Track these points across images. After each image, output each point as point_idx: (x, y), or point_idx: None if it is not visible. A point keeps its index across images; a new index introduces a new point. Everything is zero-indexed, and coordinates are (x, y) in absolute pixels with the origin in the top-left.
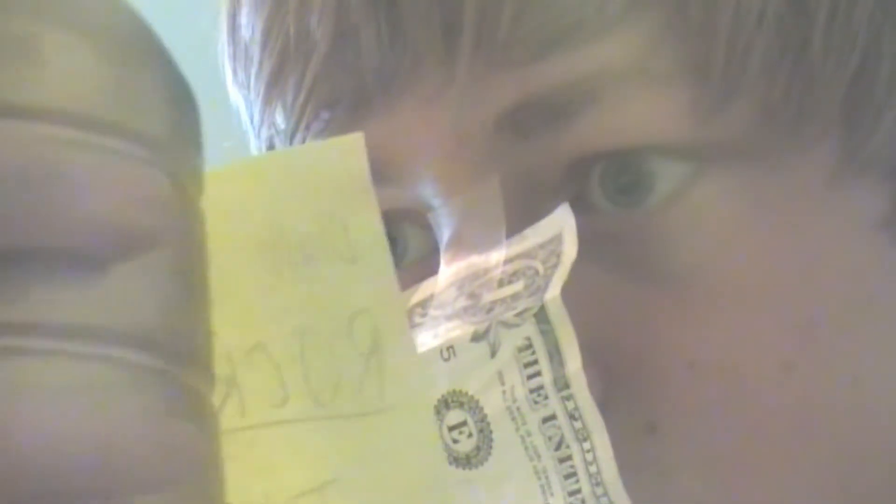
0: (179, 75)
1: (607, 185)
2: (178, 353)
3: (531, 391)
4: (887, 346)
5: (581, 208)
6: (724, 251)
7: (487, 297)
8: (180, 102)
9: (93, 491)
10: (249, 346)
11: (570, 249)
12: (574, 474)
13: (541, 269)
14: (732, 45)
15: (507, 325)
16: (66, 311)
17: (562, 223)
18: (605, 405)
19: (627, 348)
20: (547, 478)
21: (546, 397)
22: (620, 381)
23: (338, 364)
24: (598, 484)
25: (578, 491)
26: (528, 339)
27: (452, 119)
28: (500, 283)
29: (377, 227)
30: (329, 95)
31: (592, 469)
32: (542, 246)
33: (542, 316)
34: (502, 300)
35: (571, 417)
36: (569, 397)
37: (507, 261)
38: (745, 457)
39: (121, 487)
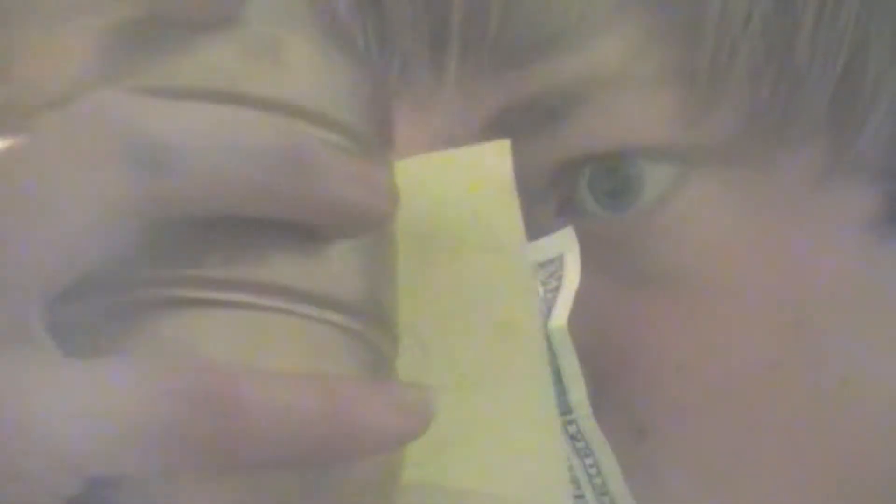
0: (379, 78)
1: (596, 189)
2: (381, 323)
3: None
4: (876, 346)
5: (569, 212)
6: (712, 253)
7: None
8: (382, 103)
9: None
10: (402, 324)
11: (572, 276)
12: (575, 481)
13: (540, 290)
14: (718, 49)
15: None
16: (298, 276)
17: (564, 246)
18: (594, 408)
19: (616, 351)
20: None
21: None
22: (609, 385)
23: (476, 342)
24: (604, 493)
25: (581, 496)
26: None
27: (440, 124)
28: None
29: (519, 223)
30: None
31: (597, 481)
32: (541, 265)
33: None
34: None
35: (573, 438)
36: (571, 422)
37: None
38: (735, 459)
39: (344, 446)
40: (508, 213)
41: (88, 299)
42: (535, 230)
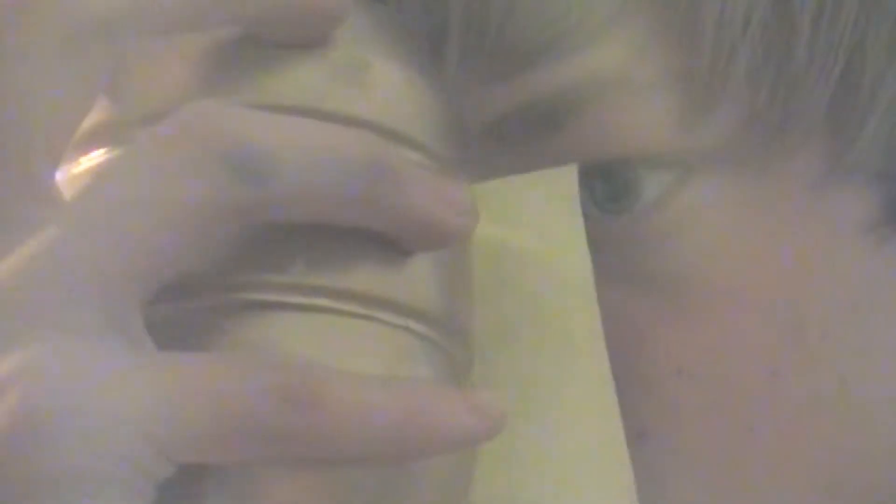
0: (457, 101)
1: (594, 192)
2: (457, 334)
3: None
4: (875, 348)
5: None
6: (711, 257)
7: None
8: (459, 125)
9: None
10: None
11: None
12: None
13: None
14: (717, 53)
15: None
16: (380, 285)
17: None
18: None
19: (615, 355)
20: None
21: None
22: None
23: (541, 358)
24: None
25: None
26: None
27: None
28: None
29: (583, 246)
30: None
31: None
32: None
33: None
34: None
35: None
36: None
37: None
38: (734, 462)
39: (421, 444)
40: (573, 235)
41: (176, 302)
42: None
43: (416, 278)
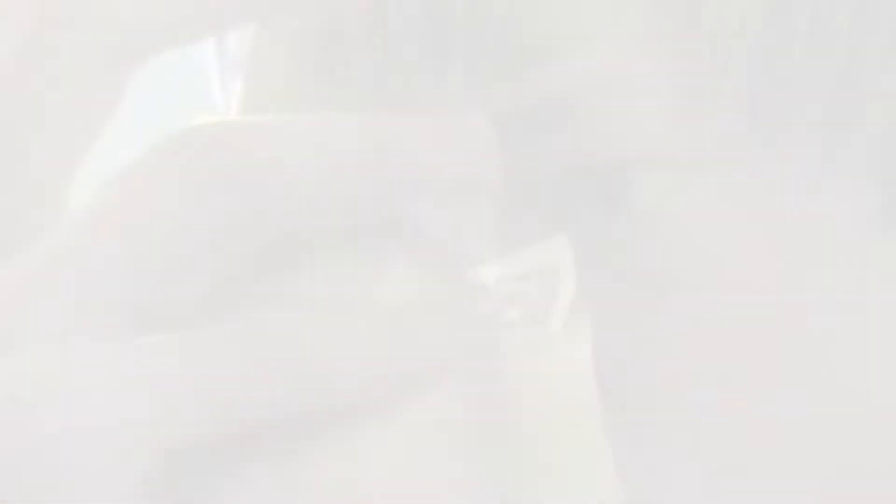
0: None
1: (591, 195)
2: None
3: None
4: (875, 345)
5: (564, 218)
6: (709, 258)
7: None
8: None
9: None
10: None
11: (567, 283)
12: None
13: (536, 297)
14: (714, 54)
15: None
16: None
17: (558, 253)
18: None
19: (615, 356)
20: None
21: None
22: (609, 390)
23: None
24: None
25: None
26: None
27: None
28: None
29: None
30: None
31: None
32: (536, 273)
33: None
34: None
35: None
36: None
37: (498, 281)
38: (735, 459)
39: None
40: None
41: None
42: (528, 237)
43: None
